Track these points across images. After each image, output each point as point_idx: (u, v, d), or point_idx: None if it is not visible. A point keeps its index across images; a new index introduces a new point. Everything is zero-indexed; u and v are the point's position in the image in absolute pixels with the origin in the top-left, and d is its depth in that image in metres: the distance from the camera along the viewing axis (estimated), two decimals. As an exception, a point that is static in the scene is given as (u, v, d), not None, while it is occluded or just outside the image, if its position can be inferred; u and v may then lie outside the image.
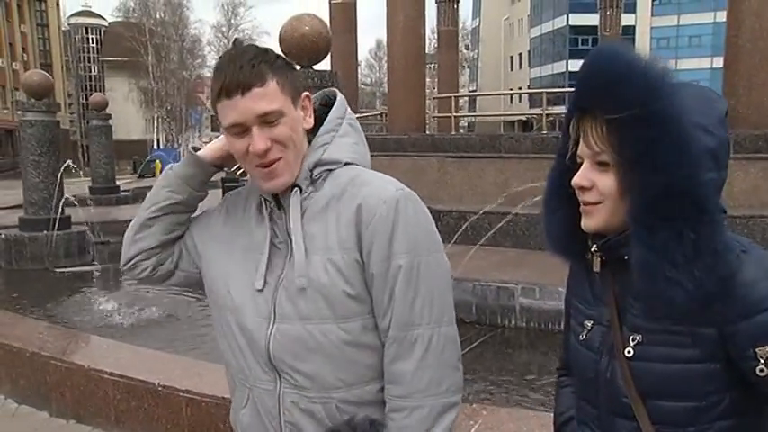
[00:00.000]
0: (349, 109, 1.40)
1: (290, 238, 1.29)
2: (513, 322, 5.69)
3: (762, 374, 0.99)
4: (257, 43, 1.39)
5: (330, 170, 1.31)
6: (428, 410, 1.23)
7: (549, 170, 1.22)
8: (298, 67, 1.42)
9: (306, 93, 1.32)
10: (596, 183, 1.08)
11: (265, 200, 1.34)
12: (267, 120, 1.22)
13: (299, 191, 1.30)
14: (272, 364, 1.29)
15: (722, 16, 10.33)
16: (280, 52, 1.38)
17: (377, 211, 1.23)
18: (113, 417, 3.56)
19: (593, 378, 1.16)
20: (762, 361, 0.99)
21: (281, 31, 4.39)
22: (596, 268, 1.16)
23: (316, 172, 1.30)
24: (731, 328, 1.00)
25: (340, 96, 1.39)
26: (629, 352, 1.09)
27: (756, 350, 0.99)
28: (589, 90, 1.07)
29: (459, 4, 19.70)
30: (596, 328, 1.17)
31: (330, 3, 14.12)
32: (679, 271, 0.99)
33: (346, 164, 1.33)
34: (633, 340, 1.09)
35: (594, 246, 1.14)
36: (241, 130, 1.23)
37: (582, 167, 1.10)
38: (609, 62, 1.05)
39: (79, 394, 3.73)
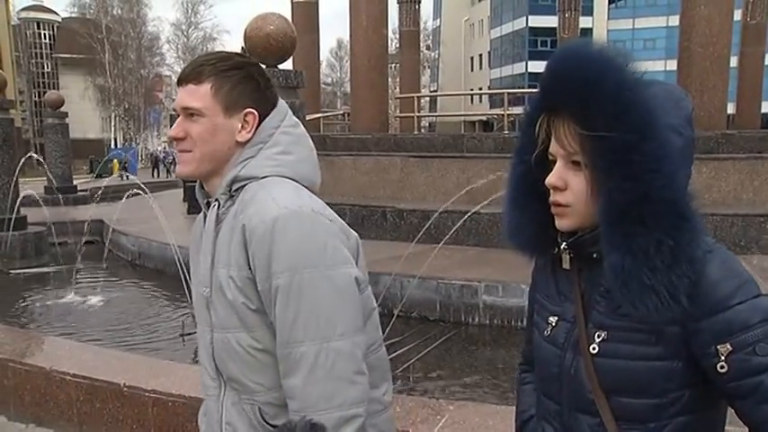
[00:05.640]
0: (289, 115, 1.41)
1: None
2: (476, 320, 5.79)
3: (722, 371, 1.00)
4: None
5: (244, 185, 1.34)
6: None
7: (511, 168, 1.19)
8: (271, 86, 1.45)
9: (251, 110, 1.35)
10: (570, 183, 1.06)
11: (203, 212, 1.44)
12: (188, 113, 1.34)
13: (217, 205, 1.36)
14: (218, 370, 1.38)
15: (675, 21, 10.64)
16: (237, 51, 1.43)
17: (256, 232, 1.25)
18: (76, 419, 3.50)
19: (556, 374, 1.15)
20: (722, 358, 1.00)
21: (245, 30, 4.36)
22: (566, 265, 1.14)
23: (234, 187, 1.35)
24: (695, 325, 1.01)
25: (280, 104, 1.41)
26: (593, 348, 1.08)
27: (718, 347, 1.00)
28: (560, 90, 1.03)
29: (421, 4, 19.79)
30: (561, 323, 1.16)
31: (292, 2, 14.02)
32: (657, 277, 0.98)
33: (264, 177, 1.34)
34: (598, 337, 1.08)
35: (564, 243, 1.12)
36: (176, 114, 1.37)
37: (556, 167, 1.07)
38: (582, 62, 1.01)
39: (39, 397, 3.64)
